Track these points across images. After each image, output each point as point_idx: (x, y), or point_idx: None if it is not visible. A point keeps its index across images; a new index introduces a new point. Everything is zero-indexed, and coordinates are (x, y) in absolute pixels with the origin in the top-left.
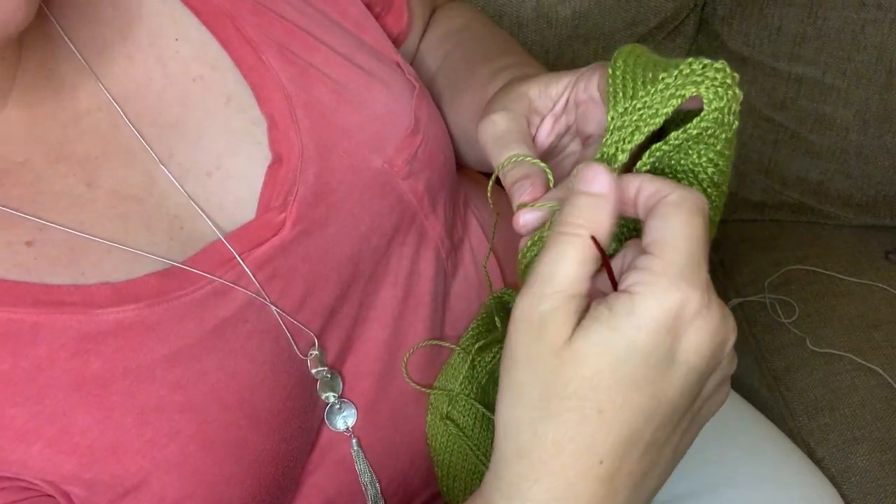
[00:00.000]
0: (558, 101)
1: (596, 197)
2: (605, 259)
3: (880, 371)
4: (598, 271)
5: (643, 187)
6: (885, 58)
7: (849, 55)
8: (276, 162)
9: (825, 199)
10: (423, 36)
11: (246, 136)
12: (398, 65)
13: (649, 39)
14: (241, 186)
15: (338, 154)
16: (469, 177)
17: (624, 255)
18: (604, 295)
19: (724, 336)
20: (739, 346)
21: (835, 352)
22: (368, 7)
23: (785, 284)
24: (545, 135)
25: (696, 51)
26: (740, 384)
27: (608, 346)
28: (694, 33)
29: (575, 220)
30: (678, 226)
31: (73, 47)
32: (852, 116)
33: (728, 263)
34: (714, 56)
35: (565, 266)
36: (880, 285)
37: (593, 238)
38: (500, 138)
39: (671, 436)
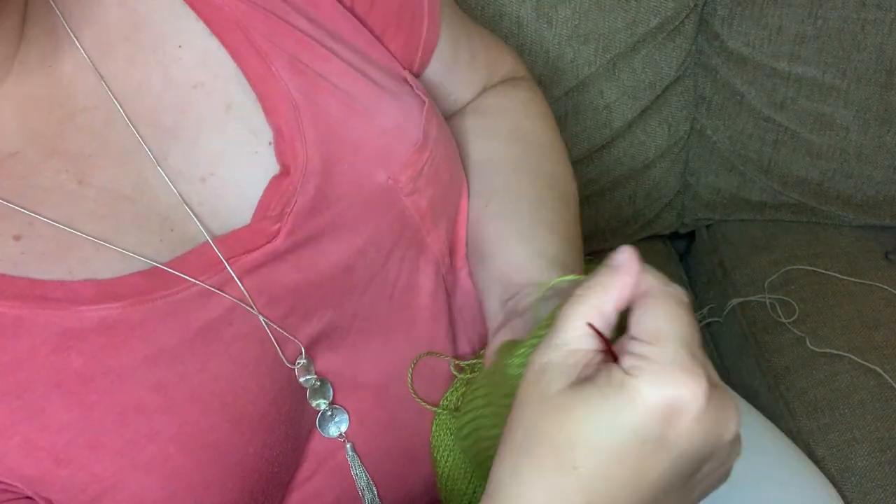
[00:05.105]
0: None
1: (615, 268)
2: (605, 341)
3: (880, 371)
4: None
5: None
6: (885, 58)
7: (849, 55)
8: (283, 173)
9: (825, 199)
10: (466, 112)
11: (243, 146)
12: (406, 80)
13: (649, 39)
14: (235, 194)
15: (342, 167)
16: None
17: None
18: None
19: (721, 428)
20: (739, 347)
21: (835, 352)
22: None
23: (785, 284)
24: None
25: (695, 51)
26: (740, 384)
27: (595, 409)
28: (694, 33)
29: (591, 283)
30: (670, 316)
31: (78, 45)
32: (852, 116)
33: (728, 263)
34: (714, 56)
35: (571, 322)
36: (880, 285)
37: (591, 325)
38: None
39: None
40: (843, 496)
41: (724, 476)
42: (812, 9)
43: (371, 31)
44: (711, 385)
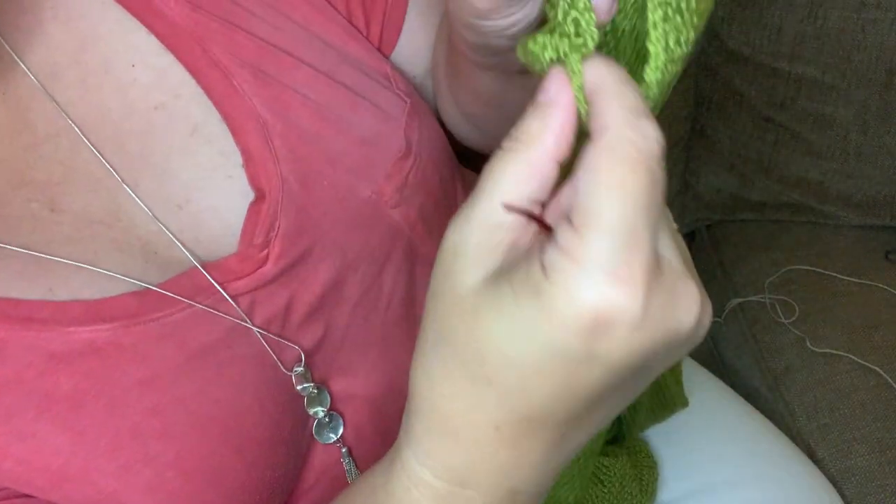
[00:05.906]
0: None
1: (543, 106)
2: (533, 217)
3: (880, 371)
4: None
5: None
6: (885, 58)
7: (849, 55)
8: (259, 199)
9: (825, 199)
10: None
11: (215, 170)
12: (388, 77)
13: None
14: (215, 221)
15: (321, 185)
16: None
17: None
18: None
19: (672, 327)
20: (739, 347)
21: (835, 352)
22: (351, 19)
23: (785, 284)
24: None
25: (696, 51)
26: (740, 384)
27: (506, 320)
28: None
29: (518, 133)
30: (608, 190)
31: (26, 69)
32: (852, 116)
33: (728, 263)
34: (714, 56)
35: (495, 186)
36: (880, 285)
37: (508, 205)
38: None
39: (597, 413)
40: (843, 496)
41: (686, 352)
42: (812, 9)
43: (336, 9)
44: (653, 283)
